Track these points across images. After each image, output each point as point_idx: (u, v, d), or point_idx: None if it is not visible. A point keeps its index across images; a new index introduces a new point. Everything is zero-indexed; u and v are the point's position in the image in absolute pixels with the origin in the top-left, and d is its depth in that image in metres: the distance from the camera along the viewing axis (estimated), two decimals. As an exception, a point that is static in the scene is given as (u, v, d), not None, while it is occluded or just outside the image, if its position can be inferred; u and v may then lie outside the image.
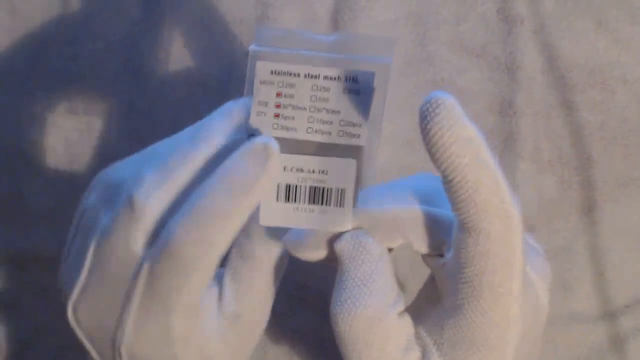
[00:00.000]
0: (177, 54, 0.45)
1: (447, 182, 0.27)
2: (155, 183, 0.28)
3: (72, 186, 0.43)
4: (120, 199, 0.29)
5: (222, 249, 0.29)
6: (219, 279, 0.32)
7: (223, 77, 0.44)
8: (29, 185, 0.43)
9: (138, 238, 0.29)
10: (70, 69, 0.44)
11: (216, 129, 0.29)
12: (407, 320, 0.30)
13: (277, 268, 0.32)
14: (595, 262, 0.43)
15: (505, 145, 0.43)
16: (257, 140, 0.28)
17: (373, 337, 0.28)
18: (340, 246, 0.29)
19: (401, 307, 0.30)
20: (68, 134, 0.44)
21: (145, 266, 0.28)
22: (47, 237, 0.43)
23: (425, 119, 0.26)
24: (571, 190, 0.43)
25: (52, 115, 0.44)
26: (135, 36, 0.45)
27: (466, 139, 0.26)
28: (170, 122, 0.44)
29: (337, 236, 0.30)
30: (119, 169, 0.31)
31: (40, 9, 0.45)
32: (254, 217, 0.29)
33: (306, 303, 0.42)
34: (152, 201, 0.28)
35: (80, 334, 0.30)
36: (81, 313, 0.30)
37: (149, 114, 0.44)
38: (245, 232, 0.31)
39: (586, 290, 0.43)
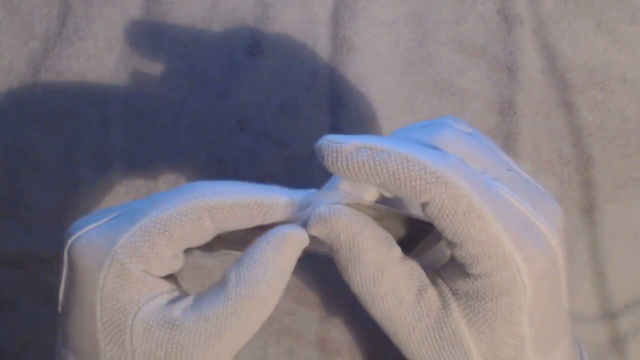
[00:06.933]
0: (177, 54, 0.45)
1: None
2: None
3: (72, 186, 0.43)
4: None
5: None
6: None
7: (223, 77, 0.44)
8: (29, 185, 0.43)
9: None
10: (70, 69, 0.44)
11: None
12: (412, 264, 0.29)
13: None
14: (595, 262, 0.43)
15: (505, 145, 0.43)
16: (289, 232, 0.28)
17: (382, 288, 0.28)
18: (314, 231, 0.28)
19: (398, 251, 0.29)
20: (68, 133, 0.44)
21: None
22: (47, 237, 0.43)
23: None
24: (571, 190, 0.43)
25: (52, 115, 0.44)
26: (135, 36, 0.45)
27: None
28: (171, 122, 0.44)
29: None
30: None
31: (40, 9, 0.45)
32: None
33: (306, 303, 0.42)
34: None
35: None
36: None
37: (149, 114, 0.44)
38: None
39: (586, 290, 0.43)
